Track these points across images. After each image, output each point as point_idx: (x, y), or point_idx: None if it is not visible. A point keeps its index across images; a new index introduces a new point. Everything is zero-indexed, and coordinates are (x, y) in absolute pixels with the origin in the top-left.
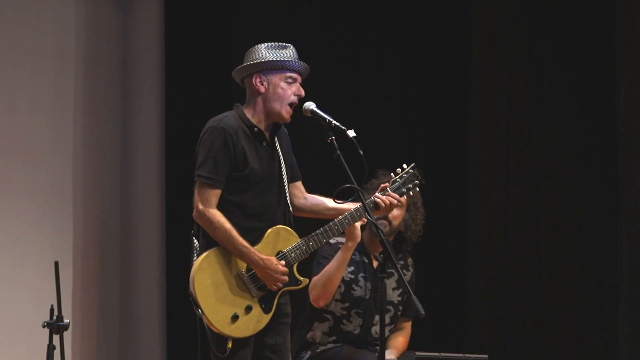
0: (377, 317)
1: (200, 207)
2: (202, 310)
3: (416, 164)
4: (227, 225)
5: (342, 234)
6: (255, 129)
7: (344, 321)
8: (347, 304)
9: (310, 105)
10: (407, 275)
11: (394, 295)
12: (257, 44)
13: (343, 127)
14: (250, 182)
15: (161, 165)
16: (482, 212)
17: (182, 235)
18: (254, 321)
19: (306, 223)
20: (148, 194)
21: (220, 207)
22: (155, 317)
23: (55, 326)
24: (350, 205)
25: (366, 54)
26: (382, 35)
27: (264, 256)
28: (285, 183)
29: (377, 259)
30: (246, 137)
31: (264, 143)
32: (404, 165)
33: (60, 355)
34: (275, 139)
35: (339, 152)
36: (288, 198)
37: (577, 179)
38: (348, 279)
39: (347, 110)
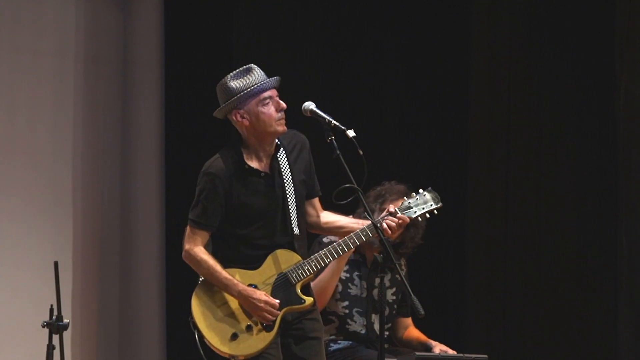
0: (373, 316)
1: (187, 247)
2: (201, 333)
3: (432, 187)
4: (211, 261)
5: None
6: (246, 166)
7: (349, 321)
8: (346, 303)
9: (310, 105)
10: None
11: (388, 294)
12: (225, 75)
13: (343, 127)
14: (250, 217)
15: (161, 166)
16: (482, 211)
17: (182, 236)
18: (257, 339)
19: None
20: (148, 194)
21: (227, 239)
22: (155, 317)
23: (55, 326)
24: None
25: (366, 54)
26: (382, 35)
27: (246, 287)
28: (291, 207)
29: (377, 259)
30: (238, 177)
31: (262, 175)
32: (421, 190)
33: (59, 355)
34: (279, 162)
35: (338, 151)
36: (295, 220)
37: (577, 179)
38: (344, 277)
39: (347, 110)
